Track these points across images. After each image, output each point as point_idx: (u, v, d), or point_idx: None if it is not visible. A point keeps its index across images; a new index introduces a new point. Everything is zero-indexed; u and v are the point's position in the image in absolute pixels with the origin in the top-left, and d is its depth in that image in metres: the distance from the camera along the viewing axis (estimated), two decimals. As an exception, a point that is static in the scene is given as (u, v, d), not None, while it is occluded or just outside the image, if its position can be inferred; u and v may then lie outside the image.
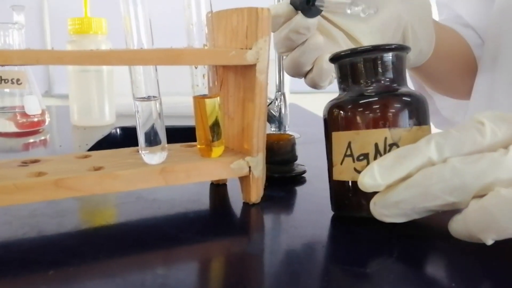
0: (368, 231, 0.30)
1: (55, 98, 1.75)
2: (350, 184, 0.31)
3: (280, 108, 0.68)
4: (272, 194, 0.38)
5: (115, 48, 0.30)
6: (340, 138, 0.31)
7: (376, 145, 0.29)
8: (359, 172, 0.29)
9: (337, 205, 0.33)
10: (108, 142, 0.67)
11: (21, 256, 0.27)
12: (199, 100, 0.33)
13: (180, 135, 0.72)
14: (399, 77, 0.32)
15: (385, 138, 0.29)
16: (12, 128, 0.67)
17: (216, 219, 0.33)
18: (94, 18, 0.70)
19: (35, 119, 0.69)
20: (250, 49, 0.33)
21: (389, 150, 0.29)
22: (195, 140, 0.36)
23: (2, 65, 0.28)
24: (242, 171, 0.35)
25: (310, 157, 0.49)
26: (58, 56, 0.28)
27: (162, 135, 0.33)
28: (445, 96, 0.62)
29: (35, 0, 1.51)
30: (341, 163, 0.31)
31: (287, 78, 0.68)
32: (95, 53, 0.29)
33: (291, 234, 0.30)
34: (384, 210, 0.27)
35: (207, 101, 0.33)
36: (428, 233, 0.30)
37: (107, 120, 0.75)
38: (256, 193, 0.35)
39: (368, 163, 0.29)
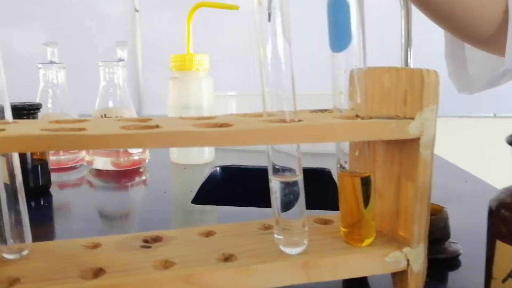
0: None
1: (144, 119, 1.78)
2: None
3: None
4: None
5: (254, 124, 0.25)
6: (508, 253, 0.24)
7: None
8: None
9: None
10: (210, 185, 0.63)
11: None
12: (351, 179, 0.28)
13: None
14: None
15: None
16: (108, 166, 0.65)
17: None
18: (197, 55, 0.67)
19: (136, 157, 0.67)
20: (412, 119, 0.27)
21: None
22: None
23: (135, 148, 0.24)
24: (398, 266, 0.28)
25: (462, 227, 0.40)
26: (196, 137, 0.24)
27: (302, 217, 0.28)
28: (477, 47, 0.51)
29: (127, 34, 1.54)
30: (503, 281, 0.24)
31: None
32: (234, 133, 0.24)
33: None
34: None
35: (360, 180, 0.27)
36: None
37: (207, 157, 0.71)
38: (413, 290, 0.29)
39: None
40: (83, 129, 0.23)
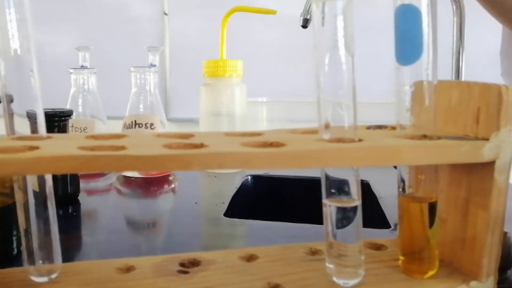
0: None
1: (171, 122, 1.77)
2: None
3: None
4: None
5: (316, 146, 0.23)
6: None
7: None
8: None
9: None
10: (241, 195, 0.61)
11: None
12: (418, 205, 0.25)
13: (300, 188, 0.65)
14: None
15: None
16: (136, 173, 0.64)
17: None
18: (230, 60, 0.65)
19: (166, 165, 0.65)
20: (487, 140, 0.24)
21: None
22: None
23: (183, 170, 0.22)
24: (464, 302, 0.25)
25: None
26: (246, 159, 0.21)
27: (359, 243, 0.25)
28: None
29: (156, 37, 1.53)
30: None
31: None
32: (288, 154, 0.22)
33: None
34: None
35: (426, 206, 0.25)
36: None
37: (237, 166, 0.69)
38: (480, 330, 0.26)
39: None
40: (123, 147, 0.20)
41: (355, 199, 0.24)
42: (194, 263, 0.28)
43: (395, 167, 0.58)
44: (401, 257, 0.26)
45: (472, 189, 0.25)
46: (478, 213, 0.25)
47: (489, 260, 0.25)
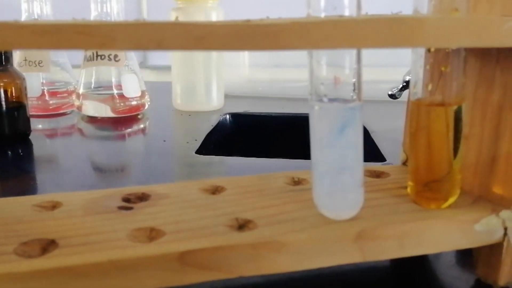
0: None
1: (150, 70, 1.67)
2: None
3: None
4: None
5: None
6: None
7: None
8: None
9: None
10: (218, 134, 0.54)
11: None
12: (443, 111, 0.18)
13: (281, 125, 0.58)
14: None
15: None
16: (108, 113, 0.56)
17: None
18: (204, -20, 0.56)
19: (134, 103, 0.58)
20: (536, 14, 0.17)
21: None
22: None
23: (101, 49, 0.15)
24: (491, 237, 0.19)
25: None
26: (199, 35, 0.14)
27: (360, 166, 0.19)
28: None
29: None
30: None
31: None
32: (257, 26, 0.15)
33: None
34: None
35: (452, 111, 0.18)
36: None
37: (215, 104, 0.62)
38: (510, 272, 0.20)
39: None
40: None
41: (354, 99, 0.17)
42: (142, 198, 0.22)
43: (391, 96, 0.51)
44: (411, 183, 0.20)
45: (509, 88, 0.19)
46: (516, 120, 0.19)
47: (528, 183, 0.19)
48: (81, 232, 0.18)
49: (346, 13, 0.16)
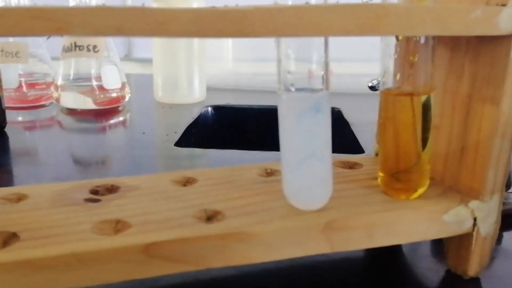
0: None
1: (135, 62, 1.65)
2: None
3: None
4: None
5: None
6: None
7: None
8: None
9: None
10: (199, 126, 0.54)
11: None
12: (409, 101, 0.18)
13: (263, 118, 0.58)
14: None
15: None
16: (88, 105, 0.56)
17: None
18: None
19: (114, 95, 0.57)
20: (504, 5, 0.17)
21: None
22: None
23: (59, 35, 0.14)
24: (460, 227, 0.19)
25: None
26: (160, 21, 0.14)
27: (328, 156, 0.18)
28: None
29: None
30: None
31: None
32: (220, 13, 0.14)
33: None
34: None
35: (419, 101, 0.18)
36: None
37: (197, 96, 0.62)
38: (479, 262, 0.20)
39: None
40: None
41: (320, 88, 0.17)
42: (111, 190, 0.21)
43: (372, 88, 0.51)
44: (381, 174, 0.20)
45: (478, 79, 0.19)
46: (484, 110, 0.19)
47: (496, 173, 0.19)
48: (45, 224, 0.18)
49: (313, 1, 0.16)
